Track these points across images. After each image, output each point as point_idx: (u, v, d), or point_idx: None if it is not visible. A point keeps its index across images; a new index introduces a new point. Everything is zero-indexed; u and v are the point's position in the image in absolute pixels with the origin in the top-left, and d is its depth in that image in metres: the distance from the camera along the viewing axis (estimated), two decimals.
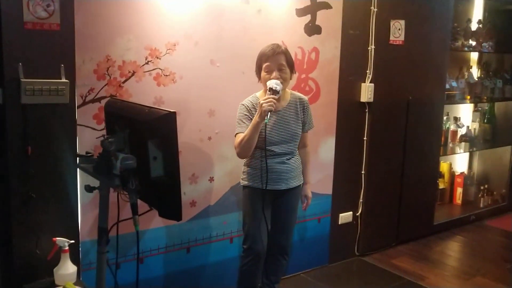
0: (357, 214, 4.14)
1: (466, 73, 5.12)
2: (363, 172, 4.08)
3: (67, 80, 2.53)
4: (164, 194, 2.01)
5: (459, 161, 5.59)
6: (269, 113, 2.63)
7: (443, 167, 5.29)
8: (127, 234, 2.57)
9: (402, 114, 4.24)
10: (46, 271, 2.59)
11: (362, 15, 3.84)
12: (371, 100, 3.96)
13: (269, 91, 2.70)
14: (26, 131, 2.48)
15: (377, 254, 4.23)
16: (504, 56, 5.55)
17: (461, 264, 4.21)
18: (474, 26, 5.17)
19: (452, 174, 5.42)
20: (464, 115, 5.45)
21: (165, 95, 2.92)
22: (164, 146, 1.96)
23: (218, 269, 3.36)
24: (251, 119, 2.75)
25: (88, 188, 2.17)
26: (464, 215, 5.10)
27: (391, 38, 4.01)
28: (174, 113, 1.93)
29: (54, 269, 2.54)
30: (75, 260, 2.63)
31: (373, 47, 3.90)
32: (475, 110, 5.53)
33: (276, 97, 2.68)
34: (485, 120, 5.48)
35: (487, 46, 5.15)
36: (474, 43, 5.08)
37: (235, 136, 2.83)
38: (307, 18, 3.47)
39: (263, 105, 2.62)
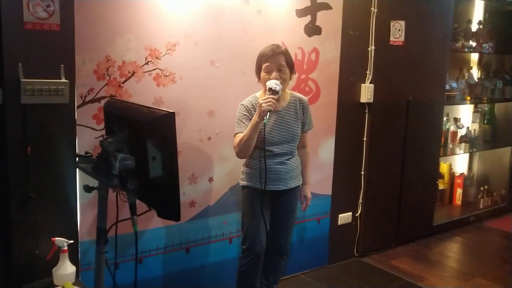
0: (356, 215, 4.14)
1: (466, 74, 5.12)
2: (362, 172, 4.08)
3: (66, 80, 2.53)
4: (163, 195, 2.02)
5: (459, 162, 5.59)
6: (268, 113, 2.63)
7: (443, 168, 5.29)
8: (126, 234, 2.57)
9: (402, 115, 4.24)
10: (45, 271, 2.58)
11: (362, 16, 3.84)
12: (371, 100, 3.96)
13: (268, 91, 2.70)
14: (26, 131, 2.48)
15: (377, 255, 4.23)
16: (504, 57, 5.56)
17: (460, 265, 4.21)
18: (474, 27, 5.17)
19: (452, 175, 5.42)
20: (464, 116, 5.45)
21: (165, 95, 2.92)
22: (163, 146, 1.96)
23: (217, 270, 3.36)
24: (251, 119, 2.75)
25: (87, 188, 2.18)
26: (463, 216, 5.10)
27: (391, 38, 4.01)
28: (173, 113, 1.93)
29: (53, 269, 2.54)
30: (74, 260, 2.62)
31: (373, 47, 3.90)
32: (475, 111, 5.53)
33: (275, 97, 2.68)
34: (485, 121, 5.48)
35: (487, 47, 5.15)
36: (474, 44, 5.08)
37: (234, 136, 2.83)
38: (307, 18, 3.47)
39: (262, 105, 2.62)
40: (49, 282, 2.56)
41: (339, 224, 4.03)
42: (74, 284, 2.51)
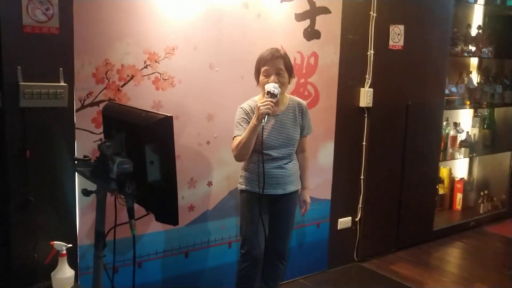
0: (356, 220, 4.13)
1: (465, 79, 5.12)
2: (362, 177, 4.08)
3: (65, 84, 2.54)
4: (161, 199, 2.01)
5: (459, 167, 5.58)
6: (266, 116, 2.64)
7: (443, 172, 5.28)
8: (125, 238, 2.56)
9: (401, 119, 4.24)
10: (43, 275, 2.58)
11: (361, 20, 3.84)
12: (370, 105, 3.96)
13: (267, 94, 2.70)
14: (25, 134, 2.48)
15: (376, 259, 4.22)
16: (504, 62, 5.55)
17: (460, 270, 4.20)
18: (474, 31, 5.18)
19: (452, 180, 5.40)
20: (464, 121, 5.44)
21: (164, 99, 2.92)
22: (161, 150, 1.96)
23: (216, 274, 3.35)
24: (249, 123, 2.75)
25: (85, 192, 2.18)
26: (464, 221, 5.08)
27: (390, 43, 4.01)
28: (171, 117, 1.93)
29: (52, 273, 2.53)
30: (73, 264, 2.62)
31: (372, 52, 3.90)
32: (475, 116, 5.53)
33: (273, 100, 2.68)
34: (485, 126, 5.47)
35: (486, 52, 5.15)
36: (474, 49, 5.08)
37: (233, 139, 2.83)
38: (306, 22, 3.48)
39: (261, 108, 2.62)
40: (47, 286, 2.56)
41: (338, 228, 4.02)
42: None
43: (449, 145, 5.11)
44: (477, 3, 5.08)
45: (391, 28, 3.99)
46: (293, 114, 2.93)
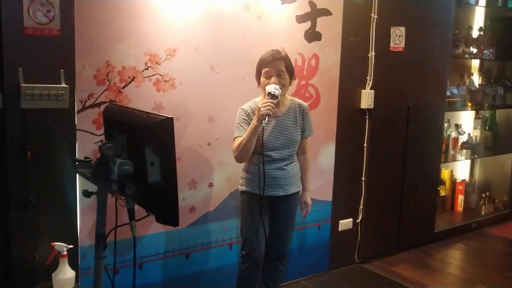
0: (357, 221, 4.13)
1: (467, 80, 5.12)
2: (363, 178, 4.08)
3: (67, 85, 2.55)
4: (161, 200, 2.02)
5: (460, 168, 5.57)
6: (267, 117, 2.64)
7: (444, 174, 5.28)
8: (125, 239, 2.56)
9: (402, 121, 4.24)
10: (44, 275, 2.59)
11: (362, 22, 3.84)
12: (371, 106, 3.96)
13: (267, 95, 2.71)
14: (26, 135, 2.49)
15: (377, 261, 4.22)
16: (505, 64, 5.55)
17: (462, 272, 4.19)
18: (475, 33, 5.18)
19: (454, 181, 5.40)
20: (466, 122, 5.44)
21: (165, 100, 2.93)
22: (162, 151, 1.97)
23: (217, 275, 3.35)
24: (250, 124, 2.75)
25: (86, 193, 2.19)
26: (465, 223, 5.08)
27: (392, 45, 4.01)
28: (171, 118, 1.93)
29: (53, 274, 2.54)
30: (73, 265, 2.63)
31: (373, 53, 3.90)
32: (476, 117, 5.52)
33: (274, 101, 2.68)
34: (487, 128, 5.47)
35: (488, 54, 5.15)
36: (475, 50, 5.08)
37: (233, 140, 2.83)
38: (307, 24, 3.48)
39: (261, 109, 2.63)
40: (48, 287, 2.56)
41: (339, 230, 4.02)
42: None
43: (450, 147, 5.11)
44: (478, 5, 5.08)
45: (392, 30, 3.99)
46: (294, 115, 2.93)
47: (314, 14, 3.50)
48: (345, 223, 4.05)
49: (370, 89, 3.94)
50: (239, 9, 3.16)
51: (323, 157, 3.76)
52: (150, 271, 3.06)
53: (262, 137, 2.76)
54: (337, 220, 3.99)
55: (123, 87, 2.79)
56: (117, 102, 2.75)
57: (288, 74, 2.82)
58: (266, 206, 2.90)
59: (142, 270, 3.03)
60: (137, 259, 2.93)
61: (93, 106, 2.70)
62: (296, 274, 3.76)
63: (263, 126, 2.68)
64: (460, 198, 5.35)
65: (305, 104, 3.03)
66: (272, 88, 2.70)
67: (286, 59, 2.83)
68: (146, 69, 2.85)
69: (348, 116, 3.89)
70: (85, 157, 2.30)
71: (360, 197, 4.10)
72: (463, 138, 5.25)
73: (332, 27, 3.63)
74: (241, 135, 2.77)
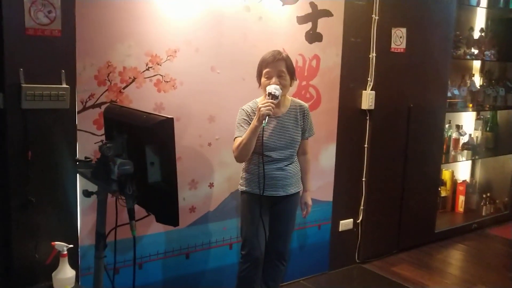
0: (357, 221, 4.13)
1: (468, 81, 5.11)
2: (364, 179, 4.08)
3: (67, 86, 2.56)
4: (161, 200, 2.02)
5: (461, 169, 5.58)
6: (267, 117, 2.65)
7: (445, 175, 5.28)
8: (125, 239, 2.57)
9: (403, 122, 4.24)
10: (44, 275, 2.59)
11: (363, 23, 3.85)
12: (372, 107, 3.96)
13: (268, 95, 2.72)
14: (27, 135, 2.50)
15: (378, 261, 4.22)
16: (506, 65, 5.55)
17: (462, 272, 4.19)
18: (476, 34, 5.18)
19: (454, 182, 5.40)
20: (467, 123, 5.44)
21: (166, 101, 2.94)
22: (162, 152, 1.97)
23: (217, 275, 3.36)
24: (250, 124, 2.76)
25: (86, 193, 2.20)
26: (466, 223, 5.08)
27: (393, 46, 4.02)
28: (172, 119, 1.94)
29: (53, 273, 2.55)
30: (74, 264, 2.63)
31: (374, 54, 3.91)
32: (477, 118, 5.52)
33: (274, 101, 2.69)
34: (488, 128, 5.47)
35: (489, 55, 5.15)
36: (476, 51, 5.08)
37: (234, 140, 2.84)
38: (308, 25, 3.49)
39: (261, 109, 2.63)
40: (48, 286, 2.57)
41: (340, 230, 4.02)
42: None
43: (451, 148, 5.12)
44: (480, 6, 5.08)
45: (393, 31, 3.99)
46: (295, 116, 2.93)
47: (315, 15, 3.51)
48: (346, 223, 4.06)
49: (371, 90, 3.94)
50: (240, 9, 3.16)
51: (323, 157, 3.77)
52: (150, 271, 3.07)
53: (262, 138, 2.76)
54: (338, 220, 4.00)
55: (124, 88, 2.79)
56: (118, 103, 2.76)
57: (289, 75, 2.83)
58: (266, 206, 2.91)
59: (142, 270, 3.03)
60: (137, 259, 2.95)
61: (93, 106, 2.71)
62: (296, 274, 3.77)
63: (263, 126, 2.69)
64: (461, 198, 5.35)
65: (306, 105, 3.03)
66: (273, 88, 2.71)
67: (287, 60, 2.83)
68: (147, 69, 2.86)
69: (349, 116, 3.89)
70: (86, 157, 2.30)
71: (360, 197, 4.10)
72: (464, 139, 5.25)
73: (333, 28, 3.63)
74: (241, 135, 2.78)
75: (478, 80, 5.35)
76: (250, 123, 2.77)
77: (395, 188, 4.31)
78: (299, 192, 3.02)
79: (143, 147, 1.96)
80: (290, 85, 2.89)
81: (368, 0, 3.83)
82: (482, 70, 5.45)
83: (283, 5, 3.33)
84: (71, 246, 2.57)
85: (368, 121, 4.02)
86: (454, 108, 4.91)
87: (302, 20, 3.45)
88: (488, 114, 5.48)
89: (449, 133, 5.06)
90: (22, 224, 2.55)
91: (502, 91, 5.30)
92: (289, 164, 2.91)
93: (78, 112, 2.67)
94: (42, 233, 2.60)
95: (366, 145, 4.05)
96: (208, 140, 3.16)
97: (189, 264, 3.23)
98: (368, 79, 3.94)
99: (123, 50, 2.76)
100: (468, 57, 5.03)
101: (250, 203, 2.91)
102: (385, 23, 3.92)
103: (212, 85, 3.12)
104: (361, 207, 4.11)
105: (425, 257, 4.41)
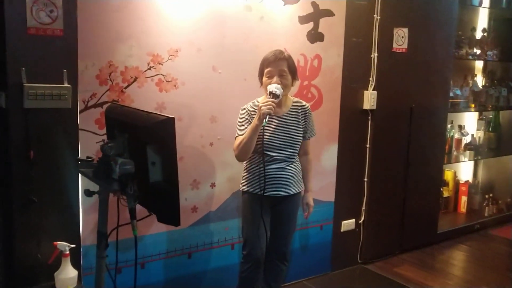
0: (359, 222, 4.12)
1: (470, 82, 5.11)
2: (365, 179, 4.08)
3: (69, 85, 2.56)
4: (163, 199, 2.02)
5: (463, 170, 5.57)
6: (267, 116, 2.64)
7: (448, 175, 5.27)
8: (127, 239, 2.55)
9: (405, 122, 4.24)
10: (46, 275, 2.60)
11: (365, 23, 3.84)
12: (374, 107, 3.96)
13: (269, 95, 2.71)
14: (29, 135, 2.50)
15: (380, 262, 4.22)
16: (509, 65, 5.55)
17: (464, 273, 4.19)
18: (478, 34, 5.17)
19: (457, 183, 5.39)
20: (469, 124, 5.43)
21: (167, 100, 2.94)
22: (163, 151, 1.97)
23: (219, 275, 3.35)
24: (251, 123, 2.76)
25: (88, 193, 2.20)
26: (468, 224, 5.07)
27: (394, 45, 4.01)
28: (173, 118, 1.94)
29: (55, 273, 2.55)
30: (76, 264, 2.64)
31: (376, 54, 3.90)
32: (479, 119, 5.52)
33: (275, 101, 2.69)
34: (490, 129, 5.46)
35: (491, 55, 5.14)
36: (478, 52, 5.07)
37: (235, 139, 2.84)
38: (310, 25, 3.49)
39: (262, 108, 2.63)
40: (51, 286, 2.57)
41: (342, 230, 4.02)
42: None
43: (453, 148, 5.11)
44: (482, 6, 5.07)
45: (395, 31, 3.99)
46: (296, 116, 2.93)
47: (316, 15, 3.50)
48: (348, 224, 4.05)
49: (373, 90, 3.94)
50: (242, 9, 3.16)
51: (325, 157, 3.76)
52: (152, 271, 3.07)
53: (263, 137, 2.76)
54: (340, 221, 3.99)
55: (126, 87, 2.80)
56: (120, 102, 2.76)
57: (290, 75, 2.82)
58: (267, 206, 2.91)
59: (144, 270, 3.03)
60: (139, 259, 2.95)
61: (95, 106, 2.72)
62: (298, 274, 3.76)
63: (264, 126, 2.69)
64: (463, 199, 5.34)
65: (308, 105, 3.03)
66: (274, 87, 2.71)
67: (288, 60, 2.83)
68: (149, 69, 2.86)
69: (351, 117, 3.89)
70: (87, 157, 2.30)
71: (362, 197, 4.10)
72: (466, 139, 5.25)
73: (334, 28, 3.63)
74: (242, 134, 2.77)
75: (480, 80, 5.35)
76: (251, 122, 2.77)
77: (397, 189, 4.30)
78: (300, 192, 3.02)
79: (145, 147, 1.95)
80: (292, 85, 2.88)
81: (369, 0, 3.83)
82: (485, 70, 5.45)
83: (284, 4, 3.33)
84: (73, 245, 2.57)
85: (370, 121, 4.01)
86: (456, 108, 4.91)
87: (303, 20, 3.45)
88: (490, 114, 5.48)
89: (451, 134, 5.05)
90: (24, 223, 2.55)
91: (505, 91, 5.30)
92: (290, 164, 2.90)
93: (80, 112, 2.67)
94: (44, 232, 2.60)
95: (368, 145, 4.04)
96: (210, 140, 3.16)
97: (191, 264, 3.23)
98: (370, 79, 3.94)
99: (125, 50, 2.76)
100: (470, 57, 5.03)
101: (251, 203, 2.90)
102: (387, 23, 3.92)
103: (214, 85, 3.12)
104: (363, 208, 4.11)
105: (427, 257, 4.40)
